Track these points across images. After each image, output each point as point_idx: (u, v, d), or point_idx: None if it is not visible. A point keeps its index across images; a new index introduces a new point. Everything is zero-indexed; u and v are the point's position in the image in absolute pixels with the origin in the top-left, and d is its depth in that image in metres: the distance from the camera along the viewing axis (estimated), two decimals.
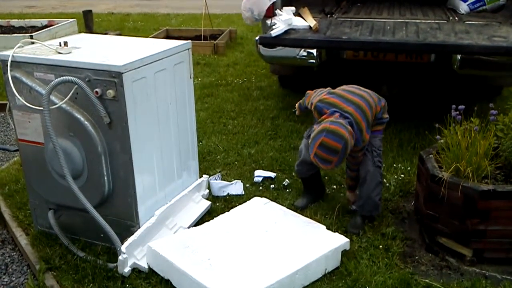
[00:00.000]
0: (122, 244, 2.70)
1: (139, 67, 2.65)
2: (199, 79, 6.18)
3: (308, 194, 3.42)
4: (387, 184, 3.60)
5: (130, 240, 2.73)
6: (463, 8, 4.71)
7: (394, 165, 3.89)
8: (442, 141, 2.96)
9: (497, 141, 2.94)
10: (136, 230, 2.80)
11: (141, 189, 2.80)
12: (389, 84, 4.87)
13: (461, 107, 2.89)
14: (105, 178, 2.74)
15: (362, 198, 3.11)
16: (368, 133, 2.91)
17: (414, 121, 4.64)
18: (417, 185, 3.22)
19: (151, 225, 2.85)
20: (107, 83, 2.56)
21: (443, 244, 2.88)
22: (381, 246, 2.93)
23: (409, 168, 3.82)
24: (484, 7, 4.69)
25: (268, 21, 4.31)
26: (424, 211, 2.97)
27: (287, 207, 3.23)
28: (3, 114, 5.21)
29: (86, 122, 2.66)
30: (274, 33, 3.94)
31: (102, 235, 2.81)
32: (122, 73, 2.53)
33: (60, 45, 2.79)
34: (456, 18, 4.51)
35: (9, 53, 2.74)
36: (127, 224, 2.83)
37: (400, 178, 3.70)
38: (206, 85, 5.99)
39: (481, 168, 2.76)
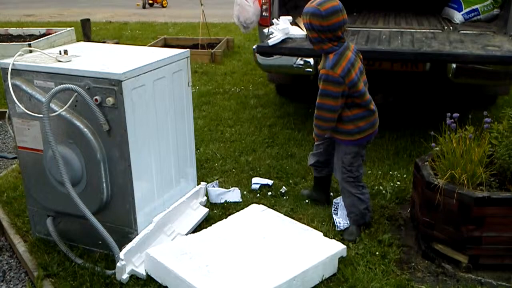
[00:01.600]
0: (120, 250, 2.71)
1: (138, 75, 2.68)
2: (197, 88, 6.22)
3: (315, 192, 3.52)
4: (384, 192, 3.63)
5: (128, 246, 2.74)
6: (458, 17, 4.77)
7: (390, 172, 3.93)
8: (437, 148, 2.99)
9: (491, 149, 2.97)
10: (134, 237, 2.81)
11: (140, 196, 2.82)
12: (384, 93, 4.90)
13: (456, 115, 2.92)
14: (104, 185, 2.76)
15: (346, 210, 3.19)
16: (338, 71, 2.98)
17: (409, 129, 4.69)
18: (413, 192, 3.25)
19: (149, 232, 2.86)
20: (107, 90, 2.58)
21: (439, 250, 2.91)
22: (377, 253, 2.95)
23: (405, 176, 3.85)
24: (478, 17, 4.75)
25: (265, 30, 4.36)
26: (420, 218, 2.99)
27: (285, 214, 3.24)
28: (1, 122, 5.23)
29: (85, 130, 2.68)
30: (271, 42, 3.98)
31: (100, 242, 2.83)
32: (122, 81, 2.55)
33: (60, 53, 2.82)
34: (451, 27, 4.57)
35: (9, 61, 2.76)
36: (125, 231, 2.85)
37: (396, 185, 3.73)
38: (204, 94, 6.02)
39: (476, 175, 2.79)
